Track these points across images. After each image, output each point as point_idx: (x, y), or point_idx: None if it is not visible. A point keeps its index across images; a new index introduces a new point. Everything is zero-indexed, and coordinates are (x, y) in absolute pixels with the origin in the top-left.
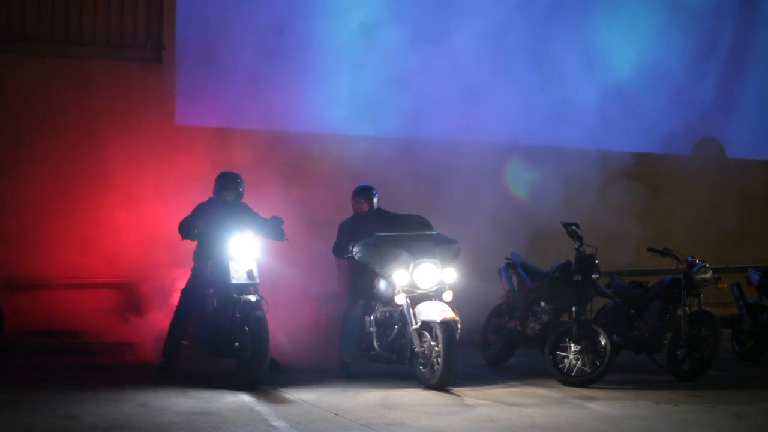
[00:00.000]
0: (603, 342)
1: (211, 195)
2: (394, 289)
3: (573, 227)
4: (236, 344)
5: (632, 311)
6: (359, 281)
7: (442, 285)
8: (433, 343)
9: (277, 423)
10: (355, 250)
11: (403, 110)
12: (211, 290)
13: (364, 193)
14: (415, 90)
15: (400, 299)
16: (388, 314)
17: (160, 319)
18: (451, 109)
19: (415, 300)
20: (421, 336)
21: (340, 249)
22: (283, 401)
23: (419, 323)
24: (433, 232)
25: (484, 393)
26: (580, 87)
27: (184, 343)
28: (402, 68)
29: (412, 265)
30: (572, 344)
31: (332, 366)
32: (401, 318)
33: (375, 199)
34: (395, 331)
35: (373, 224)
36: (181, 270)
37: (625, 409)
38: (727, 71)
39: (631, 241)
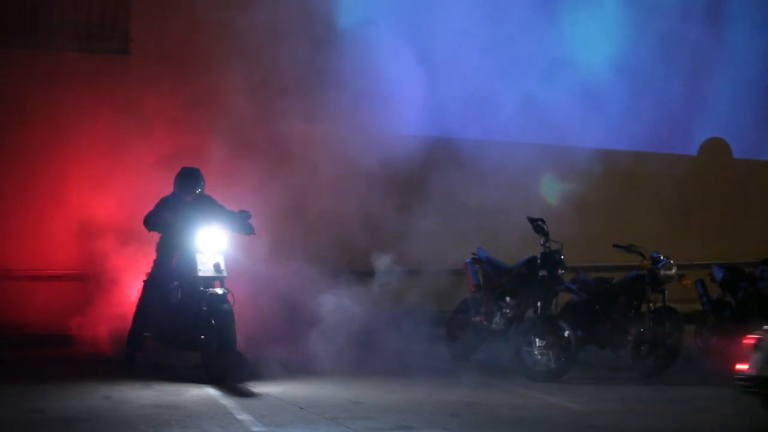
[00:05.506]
0: (567, 337)
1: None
2: None
3: (539, 222)
4: (202, 337)
5: (597, 307)
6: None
7: None
8: None
9: (242, 416)
10: None
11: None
12: (176, 282)
13: None
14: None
15: None
16: None
17: (121, 310)
18: (428, 105)
19: None
20: None
21: None
22: (249, 395)
23: None
24: None
25: (451, 389)
26: (551, 83)
27: (146, 335)
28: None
29: None
30: (537, 339)
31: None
32: None
33: None
34: None
35: None
36: (142, 261)
37: (590, 404)
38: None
39: (597, 237)
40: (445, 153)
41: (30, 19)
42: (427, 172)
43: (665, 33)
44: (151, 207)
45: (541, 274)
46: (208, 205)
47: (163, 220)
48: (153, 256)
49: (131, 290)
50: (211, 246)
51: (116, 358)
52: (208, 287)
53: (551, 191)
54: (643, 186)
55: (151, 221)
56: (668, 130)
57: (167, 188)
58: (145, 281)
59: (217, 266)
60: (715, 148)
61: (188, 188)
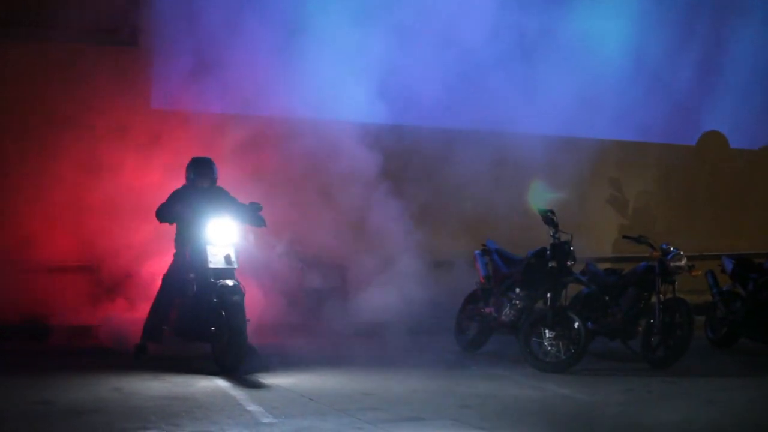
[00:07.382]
0: (577, 328)
1: (184, 181)
2: None
3: (549, 214)
4: (212, 329)
5: (607, 298)
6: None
7: None
8: None
9: (252, 407)
10: None
11: (384, 97)
12: (192, 275)
13: None
14: (395, 77)
15: None
16: None
17: (131, 302)
18: (432, 96)
19: None
20: None
21: None
22: (259, 386)
23: None
24: None
25: (460, 380)
26: (560, 74)
27: (165, 328)
28: (379, 54)
29: None
30: (547, 330)
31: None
32: None
33: None
34: None
35: None
36: (153, 254)
37: (599, 395)
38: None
39: (607, 229)
40: (448, 145)
41: (37, 11)
42: (432, 163)
43: (670, 23)
44: (163, 199)
45: (550, 265)
46: (220, 197)
47: (175, 212)
48: (162, 249)
49: (139, 284)
50: (222, 238)
51: (119, 351)
52: (219, 279)
53: (539, 200)
54: (654, 177)
55: (162, 213)
56: (672, 120)
57: (179, 180)
58: (164, 275)
59: (227, 258)
60: (713, 141)
61: (202, 173)
